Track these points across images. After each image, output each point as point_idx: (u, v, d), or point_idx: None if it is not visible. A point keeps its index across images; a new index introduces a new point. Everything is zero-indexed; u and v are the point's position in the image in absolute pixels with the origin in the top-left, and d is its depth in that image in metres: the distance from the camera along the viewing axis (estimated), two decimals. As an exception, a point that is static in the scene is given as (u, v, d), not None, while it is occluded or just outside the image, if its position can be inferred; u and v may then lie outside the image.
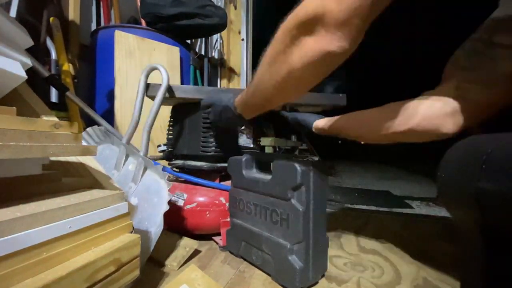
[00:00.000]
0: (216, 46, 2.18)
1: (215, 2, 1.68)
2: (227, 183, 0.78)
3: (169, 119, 0.93)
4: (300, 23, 0.39)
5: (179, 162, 0.84)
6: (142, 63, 1.21)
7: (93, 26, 1.45)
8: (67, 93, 0.86)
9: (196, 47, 1.98)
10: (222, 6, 2.08)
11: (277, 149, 0.81)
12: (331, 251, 0.71)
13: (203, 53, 1.92)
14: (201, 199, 0.73)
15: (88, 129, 0.73)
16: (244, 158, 0.65)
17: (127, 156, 0.69)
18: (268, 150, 0.75)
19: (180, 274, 0.50)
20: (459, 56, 0.47)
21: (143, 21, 1.35)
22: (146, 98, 0.78)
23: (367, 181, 2.55)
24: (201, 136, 0.80)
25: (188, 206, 0.71)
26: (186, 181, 0.79)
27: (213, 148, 0.79)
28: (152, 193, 0.62)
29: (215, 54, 2.17)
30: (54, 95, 1.08)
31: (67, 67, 1.06)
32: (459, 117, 0.46)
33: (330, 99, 0.85)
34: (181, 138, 0.86)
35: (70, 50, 1.18)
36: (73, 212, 0.36)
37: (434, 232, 0.95)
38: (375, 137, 0.55)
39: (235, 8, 2.27)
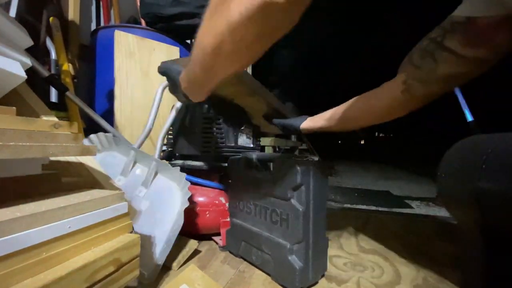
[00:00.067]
0: (216, 46, 2.18)
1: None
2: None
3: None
4: None
5: (179, 162, 0.84)
6: (142, 63, 1.21)
7: (93, 26, 1.45)
8: (67, 93, 0.86)
9: (196, 47, 1.98)
10: (222, 6, 2.07)
11: (277, 149, 0.81)
12: (331, 251, 0.71)
13: (203, 53, 1.92)
14: (201, 199, 0.73)
15: (92, 135, 0.74)
16: (244, 158, 0.65)
17: (134, 162, 0.70)
18: (268, 150, 0.75)
19: (180, 274, 0.50)
20: (414, 53, 0.49)
21: (143, 21, 1.35)
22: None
23: (367, 181, 2.55)
24: (201, 136, 0.80)
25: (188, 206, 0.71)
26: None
27: (213, 148, 0.79)
28: (165, 195, 0.63)
29: (215, 54, 2.16)
30: (53, 95, 1.08)
31: (67, 67, 1.06)
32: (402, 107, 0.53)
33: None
34: (181, 138, 0.86)
35: (70, 50, 1.18)
36: (73, 212, 0.36)
37: (434, 232, 0.95)
38: (350, 127, 0.65)
39: (235, 8, 2.26)
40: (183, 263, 0.61)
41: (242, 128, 0.86)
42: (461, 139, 0.48)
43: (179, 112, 0.86)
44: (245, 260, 0.65)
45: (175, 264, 0.59)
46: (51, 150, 0.37)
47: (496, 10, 0.36)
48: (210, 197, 0.74)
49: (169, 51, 1.33)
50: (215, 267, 0.62)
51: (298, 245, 0.52)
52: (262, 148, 0.80)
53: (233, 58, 0.41)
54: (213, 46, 0.39)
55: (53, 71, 1.05)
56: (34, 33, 0.97)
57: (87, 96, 1.28)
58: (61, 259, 0.33)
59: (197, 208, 0.71)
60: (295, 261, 0.52)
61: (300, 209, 0.51)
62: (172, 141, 0.89)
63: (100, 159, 0.72)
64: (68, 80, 1.04)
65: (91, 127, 1.01)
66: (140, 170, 0.69)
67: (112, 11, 1.44)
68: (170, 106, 0.92)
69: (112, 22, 1.43)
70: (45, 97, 1.03)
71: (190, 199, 0.68)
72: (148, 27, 1.30)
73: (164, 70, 0.63)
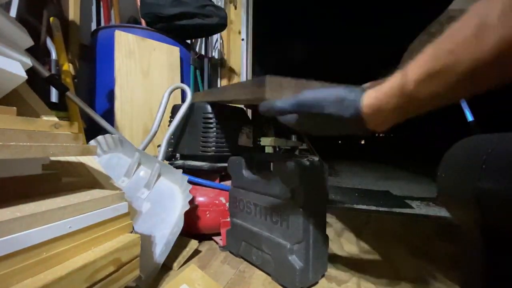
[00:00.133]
0: (216, 46, 2.18)
1: (215, 2, 1.68)
2: (227, 183, 0.78)
3: (169, 119, 0.93)
4: None
5: (179, 162, 0.84)
6: (142, 63, 1.21)
7: (93, 26, 1.45)
8: (67, 93, 0.86)
9: (196, 47, 1.98)
10: (222, 6, 2.08)
11: (277, 149, 0.81)
12: (331, 251, 0.71)
13: (203, 53, 1.92)
14: (201, 199, 0.73)
15: (99, 137, 0.74)
16: (244, 158, 0.65)
17: (138, 164, 0.70)
18: (268, 150, 0.75)
19: (180, 274, 0.50)
20: (415, 46, 0.46)
21: (143, 21, 1.35)
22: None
23: (367, 181, 2.55)
24: (201, 136, 0.80)
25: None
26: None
27: (213, 148, 0.79)
28: (166, 198, 0.64)
29: (215, 54, 2.17)
30: (54, 95, 1.08)
31: (67, 67, 1.06)
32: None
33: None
34: (181, 138, 0.87)
35: (70, 50, 1.18)
36: (73, 212, 0.36)
37: (434, 232, 0.95)
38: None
39: (235, 8, 2.27)
40: (183, 263, 0.61)
41: (242, 128, 0.86)
42: (461, 139, 0.48)
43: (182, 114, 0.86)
44: (245, 260, 0.65)
45: (175, 264, 0.59)
46: (51, 150, 0.37)
47: None
48: (210, 197, 0.74)
49: (169, 51, 1.33)
50: (215, 267, 0.62)
51: (298, 245, 0.52)
52: (262, 148, 0.80)
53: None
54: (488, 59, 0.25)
55: (53, 71, 1.05)
56: (34, 33, 0.97)
57: (87, 96, 1.28)
58: (61, 259, 0.33)
59: (197, 208, 0.71)
60: (295, 261, 0.52)
61: (300, 209, 0.51)
62: (172, 141, 0.89)
63: (105, 160, 0.73)
64: (68, 80, 1.04)
65: (91, 127, 1.01)
66: (143, 172, 0.69)
67: (112, 11, 1.44)
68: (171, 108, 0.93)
69: (112, 22, 1.43)
70: (45, 97, 1.03)
71: (191, 201, 0.68)
72: (148, 27, 1.30)
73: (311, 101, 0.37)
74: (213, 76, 2.14)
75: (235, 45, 2.27)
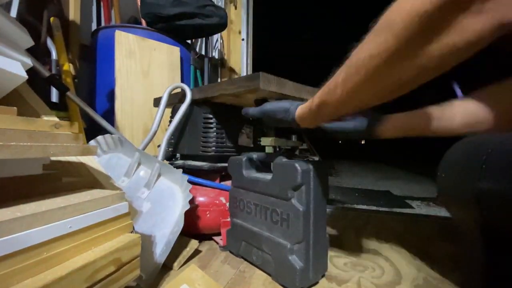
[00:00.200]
0: (216, 46, 2.18)
1: (215, 2, 1.68)
2: (227, 183, 0.79)
3: (169, 119, 0.93)
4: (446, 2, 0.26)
5: (179, 162, 0.84)
6: (142, 63, 1.21)
7: (94, 26, 1.45)
8: (68, 93, 0.86)
9: (196, 47, 1.98)
10: (223, 6, 2.08)
11: (277, 149, 0.81)
12: (331, 251, 0.71)
13: (203, 53, 1.93)
14: (201, 199, 0.73)
15: (99, 137, 0.74)
16: (244, 158, 0.65)
17: (138, 164, 0.70)
18: (268, 150, 0.75)
19: (181, 274, 0.50)
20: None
21: (143, 21, 1.35)
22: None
23: (367, 181, 2.55)
24: (201, 136, 0.80)
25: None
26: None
27: (213, 148, 0.79)
28: (167, 197, 0.64)
29: (216, 54, 2.17)
30: (54, 95, 1.08)
31: (68, 67, 1.06)
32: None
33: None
34: (181, 138, 0.87)
35: (71, 50, 1.19)
36: (73, 212, 0.36)
37: (434, 232, 0.95)
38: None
39: (236, 8, 2.27)
40: (183, 263, 0.61)
41: (243, 128, 0.86)
42: (461, 139, 0.48)
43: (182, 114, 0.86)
44: (245, 260, 0.65)
45: (175, 264, 0.59)
46: (51, 150, 0.37)
47: None
48: (210, 197, 0.74)
49: (170, 51, 1.33)
50: (216, 267, 0.62)
51: (299, 245, 0.52)
52: (263, 148, 0.80)
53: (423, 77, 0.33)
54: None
55: (53, 71, 1.05)
56: (35, 33, 0.97)
57: (87, 96, 1.28)
58: (62, 259, 0.33)
59: (197, 208, 0.71)
60: (295, 261, 0.52)
61: (301, 209, 0.51)
62: (172, 141, 0.89)
63: (105, 160, 0.73)
64: (68, 80, 1.04)
65: (91, 127, 1.02)
66: (143, 172, 0.69)
67: (112, 11, 1.45)
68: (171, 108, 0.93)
69: (113, 22, 1.43)
70: (45, 97, 1.04)
71: (191, 200, 0.68)
72: (149, 27, 1.30)
73: (269, 108, 0.58)
74: (213, 76, 2.14)
75: (235, 45, 2.28)
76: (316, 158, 0.58)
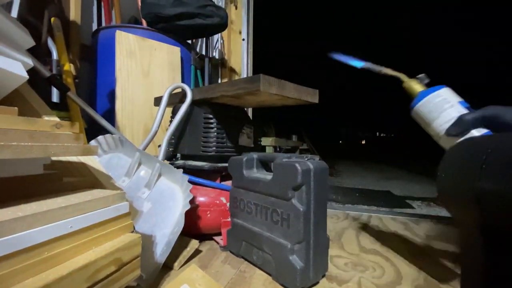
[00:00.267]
0: (217, 46, 2.18)
1: (216, 2, 1.68)
2: (228, 183, 0.79)
3: (170, 119, 0.94)
4: None
5: (179, 162, 0.84)
6: (143, 63, 1.22)
7: (94, 26, 1.45)
8: (69, 93, 0.86)
9: (197, 47, 1.98)
10: (223, 6, 2.08)
11: (278, 149, 0.81)
12: (331, 251, 0.71)
13: (204, 53, 1.93)
14: (201, 199, 0.73)
15: (99, 137, 0.74)
16: (244, 158, 0.65)
17: (139, 164, 0.70)
18: (269, 150, 0.75)
19: (181, 274, 0.50)
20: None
21: (144, 21, 1.35)
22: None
23: (368, 181, 2.55)
24: (201, 136, 0.80)
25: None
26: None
27: (214, 148, 0.79)
28: (167, 197, 0.64)
29: (216, 54, 2.17)
30: (55, 95, 1.08)
31: (68, 67, 1.06)
32: None
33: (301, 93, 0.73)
34: (182, 138, 0.87)
35: (71, 50, 1.19)
36: (74, 212, 0.36)
37: (435, 232, 0.95)
38: None
39: (236, 8, 2.27)
40: (184, 263, 0.61)
41: (243, 128, 0.86)
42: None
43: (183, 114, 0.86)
44: (246, 260, 0.65)
45: (176, 264, 0.59)
46: (52, 150, 0.37)
47: None
48: (211, 197, 0.74)
49: (170, 51, 1.33)
50: (216, 267, 0.62)
51: (299, 245, 0.52)
52: (263, 148, 0.80)
53: None
54: None
55: (54, 71, 1.05)
56: (35, 33, 0.97)
57: (88, 96, 1.28)
58: (62, 258, 0.33)
59: (198, 208, 0.72)
60: (296, 261, 0.52)
61: (301, 209, 0.51)
62: (173, 141, 0.89)
63: (106, 160, 0.73)
64: (69, 80, 1.04)
65: (92, 127, 1.02)
66: (144, 172, 0.69)
67: (113, 11, 1.45)
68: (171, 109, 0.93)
69: (113, 22, 1.43)
70: (46, 97, 1.04)
71: (191, 200, 0.68)
72: (149, 27, 1.30)
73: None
74: (214, 76, 2.14)
75: (236, 45, 2.28)
76: (317, 158, 0.59)
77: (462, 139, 0.47)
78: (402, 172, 3.36)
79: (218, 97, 0.74)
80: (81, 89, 1.18)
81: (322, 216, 0.56)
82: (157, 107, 0.86)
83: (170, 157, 0.90)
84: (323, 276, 0.59)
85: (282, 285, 0.54)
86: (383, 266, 0.65)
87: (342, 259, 0.68)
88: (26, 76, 0.47)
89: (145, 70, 1.22)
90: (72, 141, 0.42)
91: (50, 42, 1.06)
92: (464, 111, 0.50)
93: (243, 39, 2.30)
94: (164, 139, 0.78)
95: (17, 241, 0.29)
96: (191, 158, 0.85)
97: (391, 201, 1.64)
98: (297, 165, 0.51)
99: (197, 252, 0.66)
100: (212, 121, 0.80)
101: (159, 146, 0.95)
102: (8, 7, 0.92)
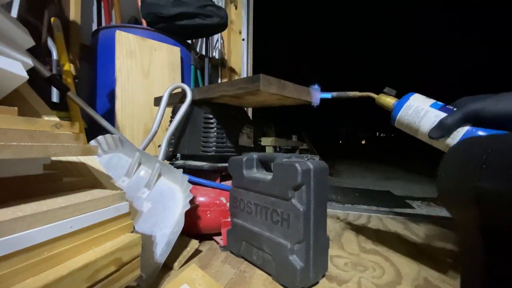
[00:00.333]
0: (217, 46, 2.18)
1: (216, 2, 1.68)
2: (228, 183, 0.79)
3: (170, 119, 0.94)
4: None
5: (179, 162, 0.84)
6: (143, 63, 1.22)
7: (94, 26, 1.45)
8: (68, 93, 0.86)
9: (197, 47, 1.98)
10: (223, 6, 2.08)
11: (278, 149, 0.81)
12: (331, 251, 0.71)
13: (204, 53, 1.93)
14: (201, 199, 0.73)
15: (99, 137, 0.74)
16: (244, 158, 0.65)
17: (139, 164, 0.70)
18: (269, 150, 0.75)
19: (181, 274, 0.50)
20: None
21: (143, 21, 1.35)
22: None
23: (368, 181, 2.55)
24: (201, 136, 0.80)
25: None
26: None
27: (214, 148, 0.79)
28: (167, 197, 0.64)
29: (216, 54, 2.17)
30: (55, 95, 1.08)
31: (68, 67, 1.06)
32: None
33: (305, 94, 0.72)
34: (182, 138, 0.87)
35: (71, 50, 1.19)
36: (74, 212, 0.36)
37: (435, 232, 0.95)
38: None
39: (236, 8, 2.27)
40: (184, 263, 0.61)
41: (243, 128, 0.86)
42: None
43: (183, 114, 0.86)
44: (246, 260, 0.65)
45: (176, 264, 0.59)
46: (52, 150, 0.37)
47: None
48: (211, 197, 0.74)
49: (170, 51, 1.33)
50: (216, 267, 0.62)
51: (299, 245, 0.52)
52: (263, 148, 0.80)
53: None
54: None
55: (54, 71, 1.05)
56: (35, 33, 0.97)
57: (88, 96, 1.28)
58: (62, 258, 0.33)
59: (198, 208, 0.72)
60: (295, 261, 0.52)
61: (301, 209, 0.51)
62: (173, 141, 0.89)
63: (106, 160, 0.73)
64: (69, 80, 1.04)
65: (92, 127, 1.02)
66: (144, 172, 0.69)
67: (113, 11, 1.45)
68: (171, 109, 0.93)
69: (113, 22, 1.43)
70: (46, 97, 1.04)
71: (191, 200, 0.68)
72: (149, 27, 1.30)
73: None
74: (214, 76, 2.14)
75: (236, 45, 2.28)
76: (317, 158, 0.59)
77: (452, 139, 0.49)
78: (402, 172, 3.36)
79: (218, 97, 0.74)
80: (81, 89, 1.17)
81: (322, 216, 0.56)
82: (157, 107, 0.86)
83: (170, 157, 0.90)
84: (323, 276, 0.59)
85: (282, 285, 0.54)
86: (383, 266, 0.65)
87: (342, 259, 0.68)
88: (26, 76, 0.47)
89: (145, 70, 1.22)
90: (72, 141, 0.42)
91: (50, 42, 1.06)
92: (439, 113, 0.51)
93: (243, 39, 2.30)
94: (164, 139, 0.78)
95: (17, 241, 0.29)
96: (191, 158, 0.85)
97: (391, 201, 1.64)
98: (297, 165, 0.51)
99: (197, 252, 0.66)
100: (212, 121, 0.80)
101: (159, 146, 0.95)
102: (8, 7, 0.92)
